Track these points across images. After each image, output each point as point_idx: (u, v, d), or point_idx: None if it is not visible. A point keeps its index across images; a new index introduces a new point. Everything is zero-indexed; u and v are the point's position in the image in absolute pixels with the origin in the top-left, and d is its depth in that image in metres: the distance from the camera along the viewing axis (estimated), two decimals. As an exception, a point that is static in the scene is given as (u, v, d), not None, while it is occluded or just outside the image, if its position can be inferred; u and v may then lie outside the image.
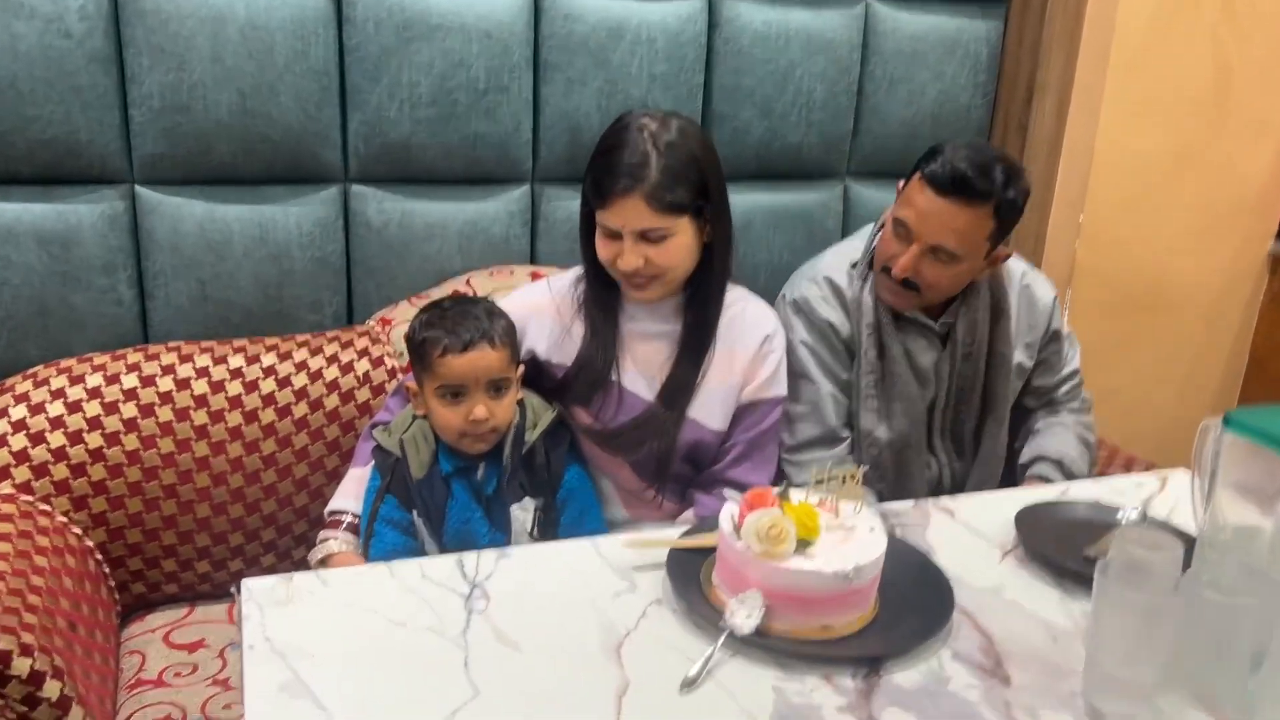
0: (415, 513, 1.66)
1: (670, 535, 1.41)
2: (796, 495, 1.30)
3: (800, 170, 2.38)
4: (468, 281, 2.13)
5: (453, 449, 1.65)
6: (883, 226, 1.86)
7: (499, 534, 1.67)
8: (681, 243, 1.64)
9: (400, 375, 2.00)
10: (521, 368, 1.68)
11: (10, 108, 1.83)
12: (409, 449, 1.66)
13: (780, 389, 1.78)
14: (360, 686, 1.10)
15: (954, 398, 1.90)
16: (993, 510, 1.56)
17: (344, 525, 1.74)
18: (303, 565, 1.97)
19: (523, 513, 1.67)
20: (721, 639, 1.18)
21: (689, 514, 1.76)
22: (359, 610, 1.25)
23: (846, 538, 1.26)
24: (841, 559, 1.21)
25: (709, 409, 1.74)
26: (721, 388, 1.74)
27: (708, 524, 1.42)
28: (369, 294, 2.15)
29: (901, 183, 1.81)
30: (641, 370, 1.75)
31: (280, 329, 2.09)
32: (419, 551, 1.67)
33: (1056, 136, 2.46)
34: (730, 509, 1.29)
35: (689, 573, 1.32)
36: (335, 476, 1.95)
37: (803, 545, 1.22)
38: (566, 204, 2.22)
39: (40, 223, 1.91)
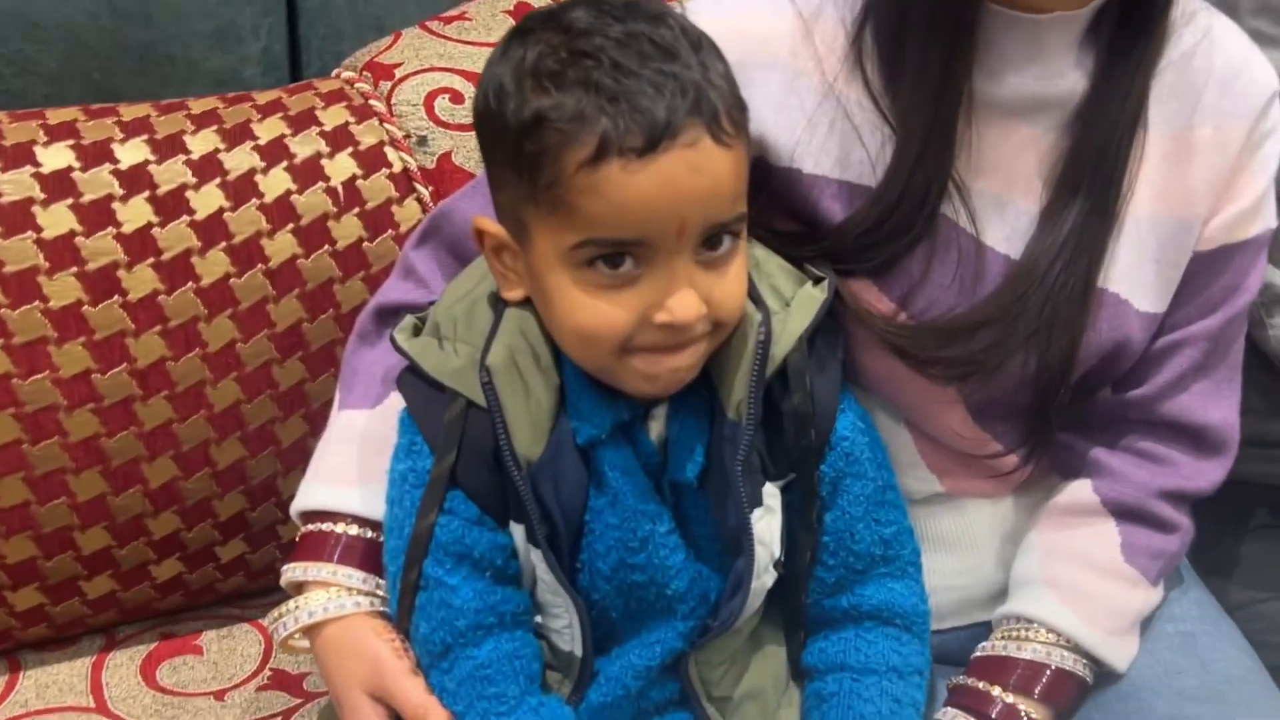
0: (521, 528, 0.70)
1: None
2: None
3: None
4: (539, -17, 1.08)
5: (598, 383, 0.68)
6: None
7: (709, 569, 0.72)
8: None
9: (421, 188, 0.97)
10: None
11: None
12: (504, 386, 0.68)
13: (1274, 216, 0.82)
14: None
15: None
16: None
17: (338, 547, 0.76)
18: (229, 576, 0.99)
19: (770, 519, 0.71)
20: None
21: (1079, 492, 0.82)
22: None
23: None
24: None
25: (1137, 269, 0.78)
26: (1164, 220, 0.78)
27: None
28: (335, 13, 1.07)
29: None
30: (1000, 192, 0.77)
31: (154, 88, 1.04)
32: (525, 612, 0.72)
33: None
34: None
35: None
36: (298, 407, 0.96)
37: None
38: None
39: None
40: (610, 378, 0.67)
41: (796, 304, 0.71)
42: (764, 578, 0.72)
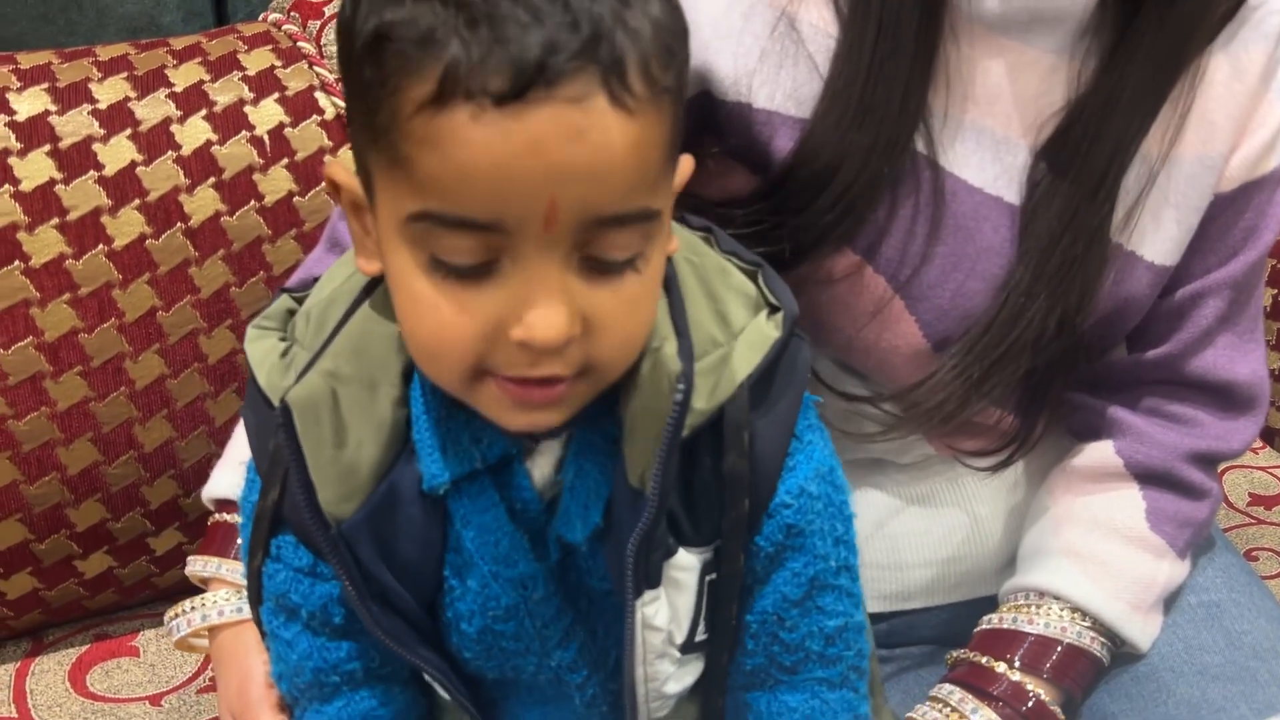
0: (352, 584, 0.53)
1: None
2: None
3: None
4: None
5: (457, 414, 0.51)
6: None
7: (605, 630, 0.56)
8: None
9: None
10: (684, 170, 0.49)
11: None
12: (307, 429, 0.50)
13: None
14: None
15: None
16: None
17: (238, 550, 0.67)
18: (166, 570, 0.90)
19: (675, 597, 0.54)
20: None
21: (1099, 454, 0.72)
22: None
23: None
24: None
25: (1151, 217, 0.68)
26: (1183, 160, 0.68)
27: None
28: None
29: None
30: (992, 125, 0.67)
31: (59, 37, 0.91)
32: (385, 665, 0.57)
33: None
34: None
35: None
36: (230, 381, 0.87)
37: None
38: None
39: None
40: (469, 401, 0.49)
41: (744, 340, 0.52)
42: (659, 665, 0.55)
